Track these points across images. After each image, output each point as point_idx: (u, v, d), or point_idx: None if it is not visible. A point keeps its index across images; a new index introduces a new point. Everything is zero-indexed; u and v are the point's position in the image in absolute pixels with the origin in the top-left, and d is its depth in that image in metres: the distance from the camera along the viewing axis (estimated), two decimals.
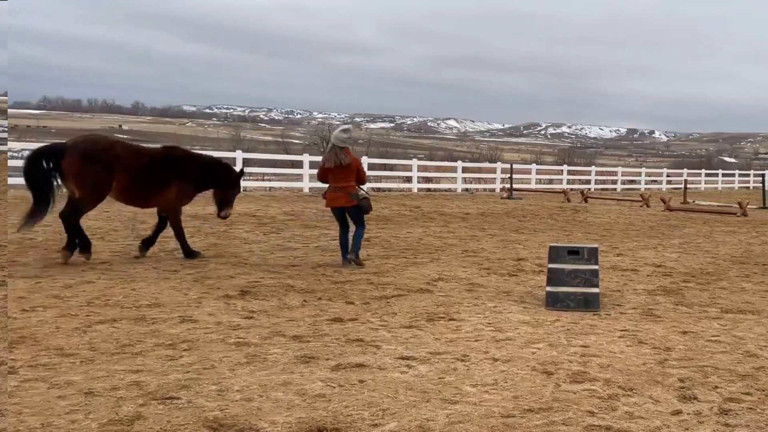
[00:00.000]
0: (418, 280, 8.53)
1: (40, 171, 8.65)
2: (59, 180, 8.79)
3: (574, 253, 7.29)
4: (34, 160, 8.73)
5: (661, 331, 6.36)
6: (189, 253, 9.57)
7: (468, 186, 33.24)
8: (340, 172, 9.47)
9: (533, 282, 8.73)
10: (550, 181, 39.89)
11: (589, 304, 7.12)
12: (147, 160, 9.33)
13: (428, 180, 33.95)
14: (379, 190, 28.36)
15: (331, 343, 5.60)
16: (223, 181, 10.04)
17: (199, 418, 3.93)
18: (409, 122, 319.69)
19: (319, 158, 36.14)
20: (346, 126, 10.27)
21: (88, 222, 13.03)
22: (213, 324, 6.07)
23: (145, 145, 10.74)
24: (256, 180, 27.79)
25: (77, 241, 8.96)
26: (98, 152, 8.88)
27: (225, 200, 10.14)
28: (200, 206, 17.23)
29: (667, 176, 46.92)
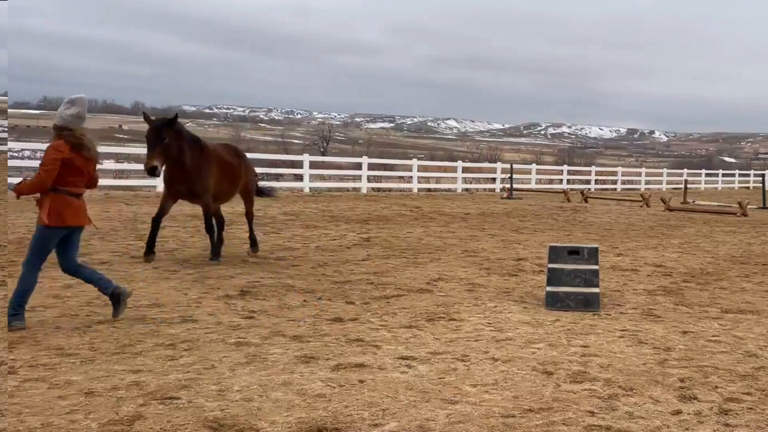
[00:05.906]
0: (418, 280, 8.53)
1: None
2: None
3: (574, 253, 7.28)
4: None
5: (661, 331, 6.36)
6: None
7: (468, 186, 33.21)
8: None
9: (533, 282, 8.73)
10: (550, 181, 39.87)
11: (589, 304, 7.12)
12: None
13: (428, 180, 33.91)
14: (379, 190, 28.35)
15: (331, 343, 5.60)
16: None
17: (199, 418, 3.93)
18: (409, 122, 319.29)
19: (321, 158, 35.77)
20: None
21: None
22: (213, 324, 6.07)
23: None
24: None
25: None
26: None
27: None
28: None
29: (667, 176, 46.91)
